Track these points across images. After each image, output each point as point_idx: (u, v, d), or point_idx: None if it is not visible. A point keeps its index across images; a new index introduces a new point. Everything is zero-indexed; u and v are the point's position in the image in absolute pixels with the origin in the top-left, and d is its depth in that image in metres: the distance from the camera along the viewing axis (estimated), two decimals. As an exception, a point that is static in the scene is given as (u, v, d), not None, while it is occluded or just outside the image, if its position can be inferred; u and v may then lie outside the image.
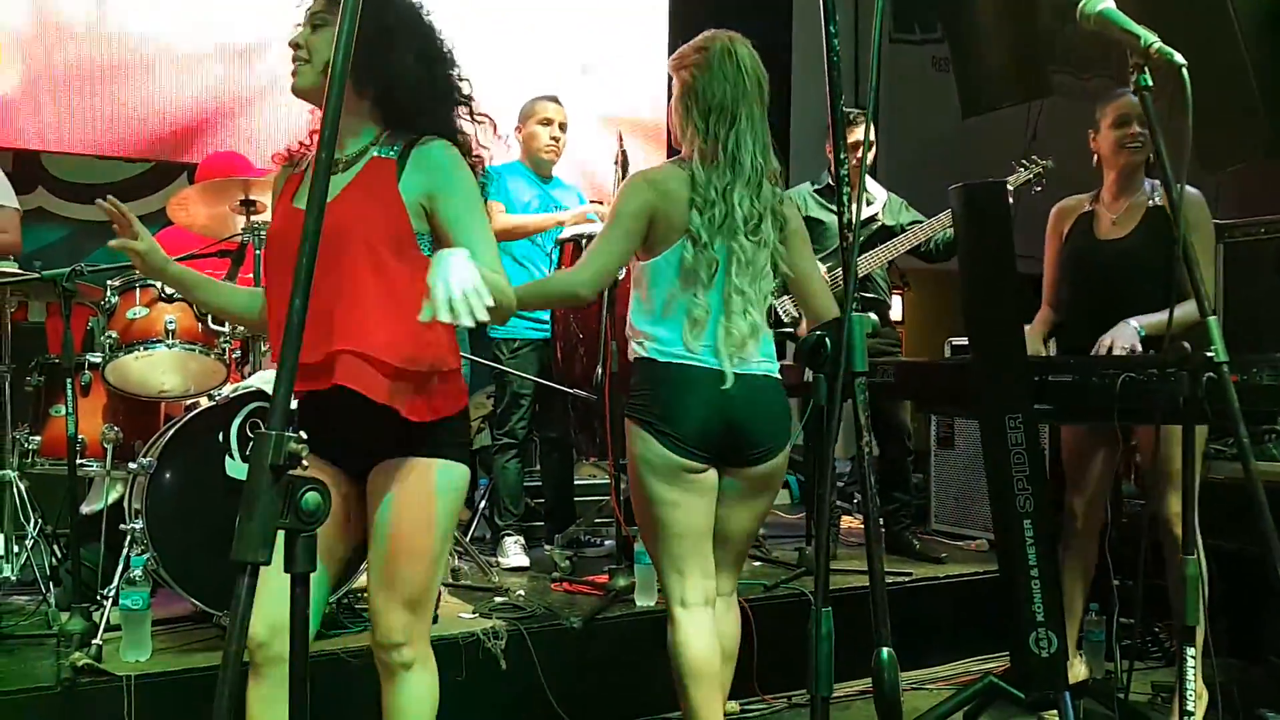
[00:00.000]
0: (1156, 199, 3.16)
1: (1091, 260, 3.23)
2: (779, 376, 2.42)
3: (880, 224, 4.19)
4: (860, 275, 4.14)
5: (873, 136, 4.15)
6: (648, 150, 6.36)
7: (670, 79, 2.46)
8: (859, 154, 4.11)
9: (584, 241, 3.76)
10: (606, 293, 3.53)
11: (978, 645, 3.89)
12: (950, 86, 6.38)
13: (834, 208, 4.16)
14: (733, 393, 2.30)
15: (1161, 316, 2.95)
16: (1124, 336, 2.98)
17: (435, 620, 2.91)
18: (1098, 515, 3.27)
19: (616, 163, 3.74)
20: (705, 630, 2.39)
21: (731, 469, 2.40)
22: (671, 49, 7.05)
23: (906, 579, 3.96)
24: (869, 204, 4.23)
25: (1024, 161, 3.77)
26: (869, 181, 4.33)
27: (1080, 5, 1.99)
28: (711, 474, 2.37)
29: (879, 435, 4.46)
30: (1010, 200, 3.60)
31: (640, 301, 2.41)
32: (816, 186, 4.30)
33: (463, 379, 2.03)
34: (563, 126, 4.18)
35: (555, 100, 4.21)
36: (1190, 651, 2.04)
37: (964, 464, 4.80)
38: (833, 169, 1.32)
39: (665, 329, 2.35)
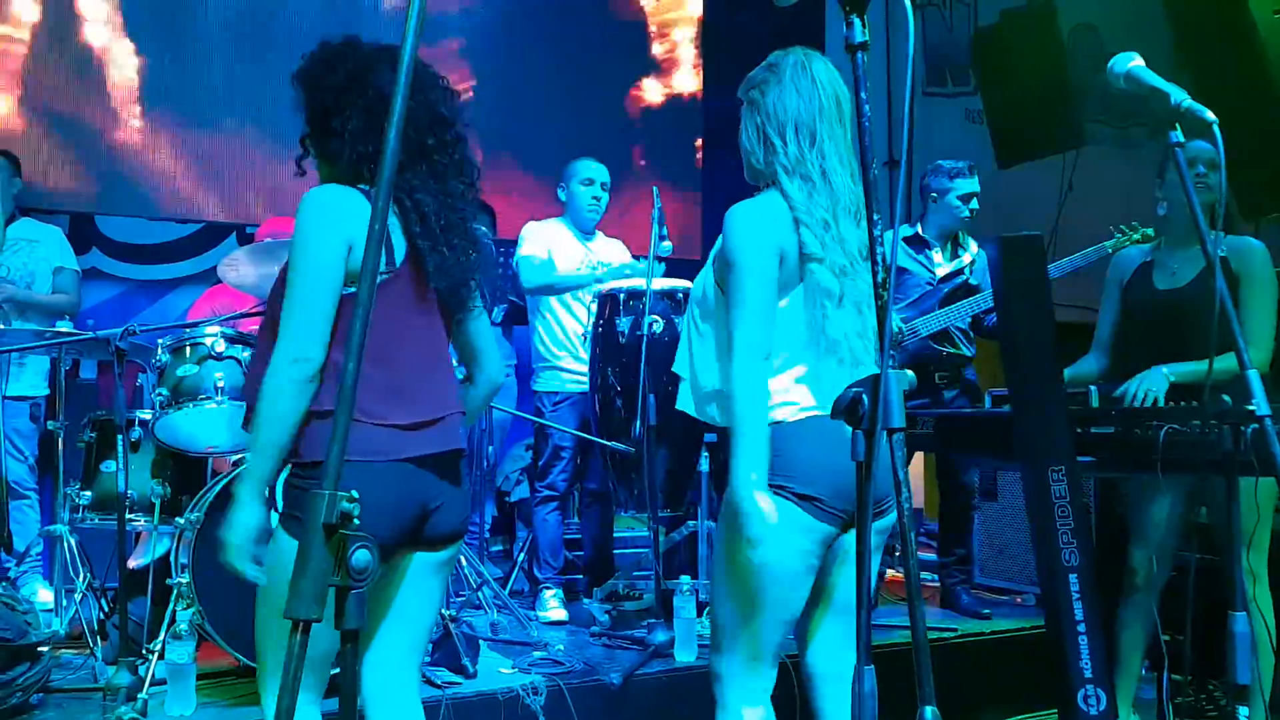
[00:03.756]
0: (1221, 250, 3.14)
1: (1152, 309, 3.22)
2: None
3: (964, 280, 4.18)
4: (937, 330, 4.13)
5: (978, 188, 4.19)
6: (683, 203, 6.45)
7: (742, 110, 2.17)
8: (972, 206, 4.17)
9: (622, 295, 3.81)
10: (644, 346, 3.56)
11: (1025, 702, 3.81)
12: (983, 138, 6.43)
13: (920, 258, 4.18)
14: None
15: (1192, 366, 2.96)
16: (1150, 383, 2.99)
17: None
18: (1161, 570, 3.18)
19: (654, 219, 3.79)
20: None
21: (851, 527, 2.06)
22: (704, 106, 7.17)
23: (952, 634, 3.91)
24: (959, 257, 4.24)
25: (1123, 226, 3.75)
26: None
27: (1110, 65, 2.01)
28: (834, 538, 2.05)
29: (945, 490, 4.42)
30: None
31: None
32: (905, 235, 4.27)
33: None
34: (604, 186, 4.26)
35: (599, 162, 4.30)
36: (1243, 710, 2.00)
37: (1007, 516, 4.75)
38: (869, 228, 1.33)
39: (784, 378, 2.03)
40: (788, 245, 2.00)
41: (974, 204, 4.20)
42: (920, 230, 4.26)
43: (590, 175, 4.24)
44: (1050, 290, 2.93)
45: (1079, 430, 2.87)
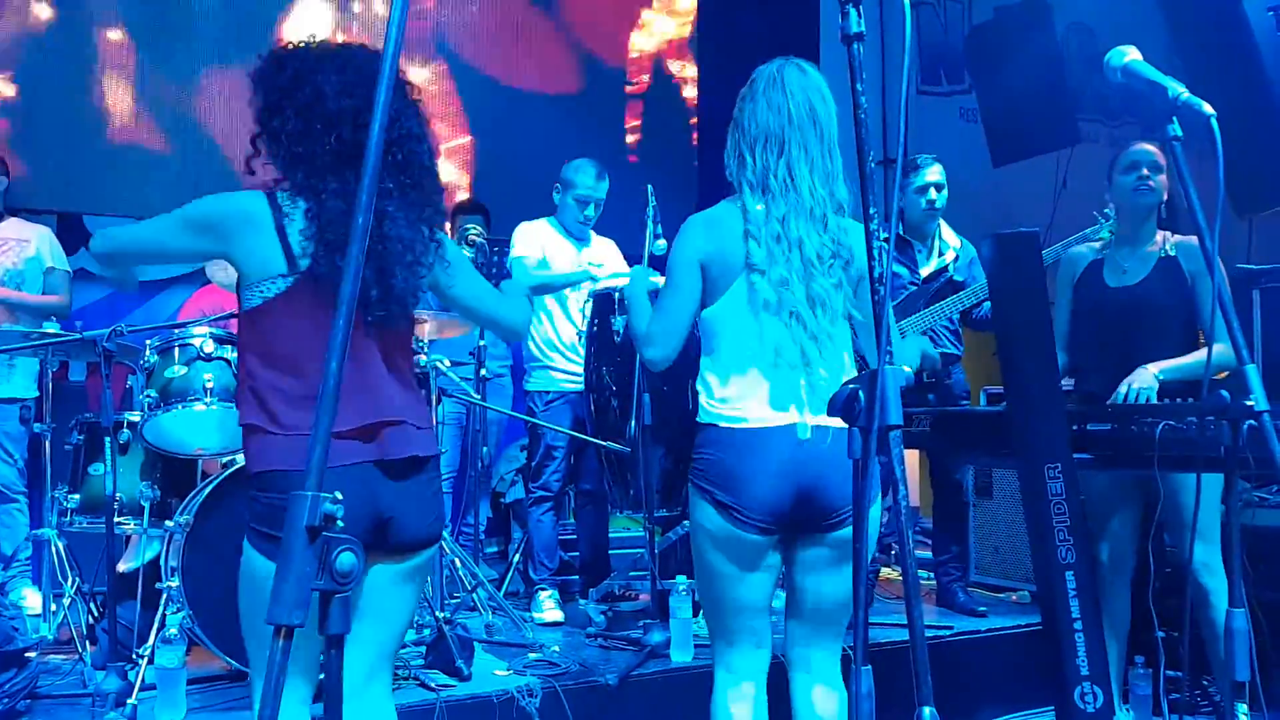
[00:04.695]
0: (1168, 249, 3.21)
1: (1105, 306, 3.28)
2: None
3: (949, 277, 4.15)
4: (924, 330, 4.08)
5: (943, 179, 4.14)
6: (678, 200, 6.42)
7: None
8: (928, 197, 4.10)
9: (617, 294, 3.78)
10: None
11: (1021, 700, 3.80)
12: (978, 137, 6.42)
13: (903, 258, 4.12)
14: (806, 454, 2.10)
15: (1179, 362, 3.04)
16: (1141, 381, 3.02)
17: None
18: (1126, 564, 3.25)
19: (648, 217, 3.77)
20: (744, 702, 2.25)
21: (814, 535, 2.18)
22: (699, 102, 7.14)
23: (947, 633, 3.89)
24: (941, 254, 4.21)
25: (1106, 211, 3.72)
26: (948, 231, 4.29)
27: (1106, 58, 2.00)
28: (776, 548, 2.20)
29: (939, 488, 4.40)
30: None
31: (706, 354, 2.24)
32: (884, 236, 4.17)
33: (261, 439, 1.90)
34: (598, 205, 4.22)
35: (598, 175, 4.22)
36: (1241, 707, 1.98)
37: (1003, 514, 4.73)
38: (865, 223, 1.32)
39: (733, 386, 2.16)
40: (714, 256, 2.17)
41: (932, 195, 4.11)
42: (900, 231, 4.21)
43: (585, 194, 4.18)
44: (1045, 286, 2.93)
45: (1075, 427, 2.86)
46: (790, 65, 2.20)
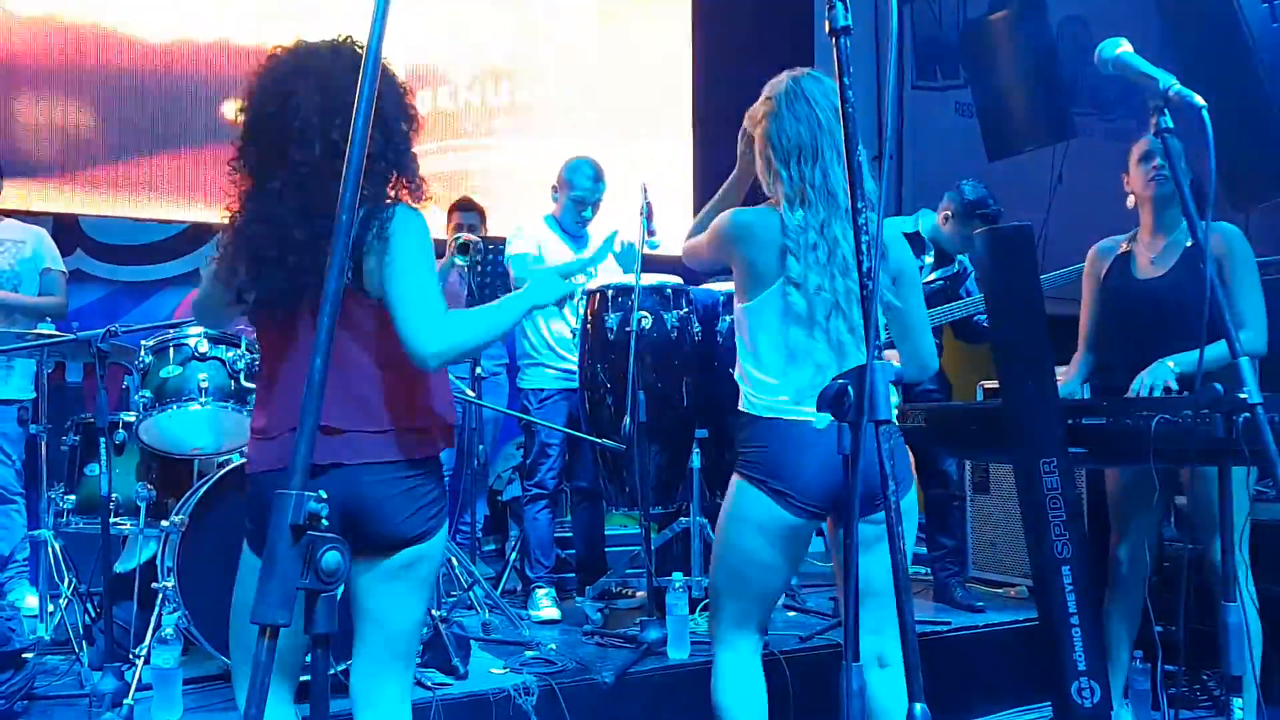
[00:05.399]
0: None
1: (1131, 300, 3.20)
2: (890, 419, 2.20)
3: (943, 286, 4.14)
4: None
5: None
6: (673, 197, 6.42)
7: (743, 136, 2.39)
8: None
9: (611, 291, 3.79)
10: (633, 342, 3.54)
11: (1019, 696, 3.80)
12: (973, 131, 6.41)
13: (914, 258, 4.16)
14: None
15: (1194, 355, 2.91)
16: (1158, 376, 2.96)
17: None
18: (1144, 560, 3.22)
19: (642, 213, 3.77)
20: (749, 678, 2.33)
21: (860, 517, 2.29)
22: (694, 100, 7.12)
23: (945, 628, 3.89)
24: (947, 265, 4.20)
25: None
26: None
27: (1098, 50, 2.00)
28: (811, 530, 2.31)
29: (924, 480, 4.39)
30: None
31: (744, 346, 2.32)
32: (906, 231, 4.21)
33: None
34: (595, 207, 4.20)
35: (595, 177, 4.19)
36: (1237, 702, 1.98)
37: (1000, 509, 4.73)
38: (853, 218, 1.32)
39: (772, 378, 2.24)
40: (747, 259, 2.25)
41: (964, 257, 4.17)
42: (919, 229, 4.21)
43: (582, 196, 4.16)
44: (1040, 281, 2.92)
45: (1070, 421, 2.86)
46: (805, 77, 2.27)
